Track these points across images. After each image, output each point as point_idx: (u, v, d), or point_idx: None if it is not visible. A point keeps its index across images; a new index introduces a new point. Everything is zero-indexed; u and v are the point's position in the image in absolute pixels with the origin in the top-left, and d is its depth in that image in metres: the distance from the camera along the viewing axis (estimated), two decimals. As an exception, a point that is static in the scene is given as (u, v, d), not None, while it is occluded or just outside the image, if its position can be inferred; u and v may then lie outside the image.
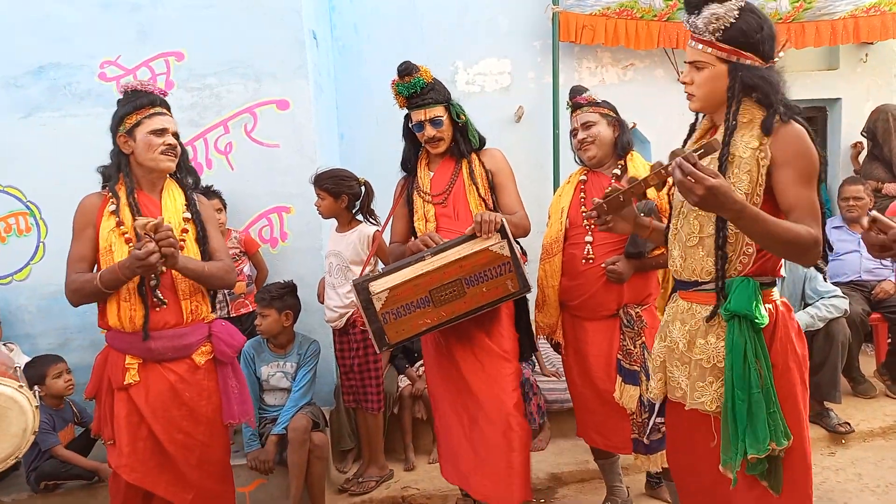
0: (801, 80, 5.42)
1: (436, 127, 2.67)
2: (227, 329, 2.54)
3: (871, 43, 5.39)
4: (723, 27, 1.80)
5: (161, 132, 2.35)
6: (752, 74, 1.81)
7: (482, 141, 2.80)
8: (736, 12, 1.80)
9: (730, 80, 1.83)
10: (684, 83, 1.92)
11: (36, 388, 3.07)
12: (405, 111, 2.77)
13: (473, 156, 2.75)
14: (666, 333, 2.02)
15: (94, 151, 3.70)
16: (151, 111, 2.36)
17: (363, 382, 3.41)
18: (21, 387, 2.34)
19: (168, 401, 2.37)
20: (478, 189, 2.69)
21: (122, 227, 2.33)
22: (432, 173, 2.79)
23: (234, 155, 3.78)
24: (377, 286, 2.47)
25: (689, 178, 1.60)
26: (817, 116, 5.79)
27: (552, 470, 3.54)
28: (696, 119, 2.05)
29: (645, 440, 2.58)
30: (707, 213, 1.83)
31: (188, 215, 2.44)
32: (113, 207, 2.35)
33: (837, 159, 5.68)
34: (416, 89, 2.65)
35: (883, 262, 4.39)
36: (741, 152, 1.81)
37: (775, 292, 1.91)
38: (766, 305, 1.84)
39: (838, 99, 5.60)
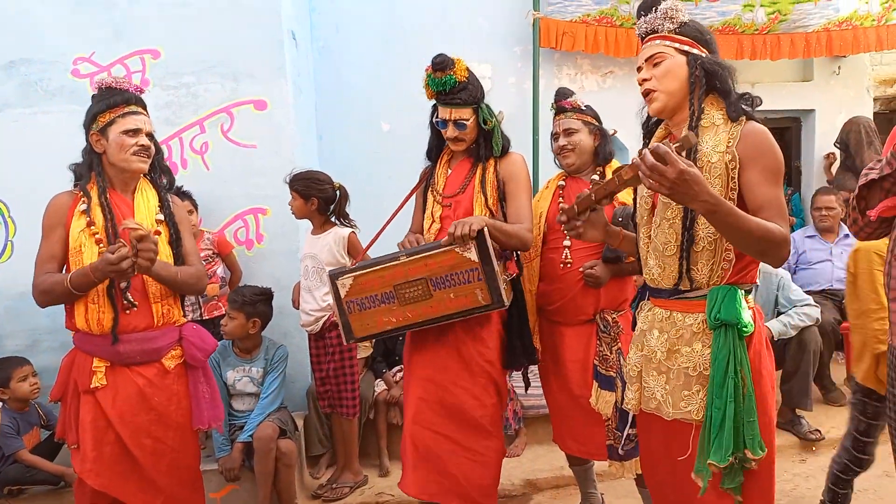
0: (776, 90, 5.51)
1: (459, 129, 2.60)
2: (198, 333, 2.48)
3: (844, 56, 5.51)
4: (680, 20, 1.90)
5: (134, 132, 2.29)
6: (711, 61, 1.87)
7: (505, 148, 2.72)
8: (686, 13, 1.91)
9: (689, 67, 1.87)
10: (642, 81, 1.95)
11: (-1, 390, 3.01)
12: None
13: (491, 161, 2.67)
14: (643, 343, 1.99)
15: (66, 149, 3.62)
16: (125, 110, 2.30)
17: (339, 387, 3.37)
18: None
19: (136, 405, 2.31)
20: (486, 199, 2.62)
21: (92, 228, 2.27)
22: (450, 171, 2.72)
23: (210, 155, 3.73)
24: (343, 274, 2.49)
25: (660, 162, 1.56)
26: (791, 127, 5.90)
27: (527, 476, 3.54)
28: (648, 123, 2.09)
29: (620, 451, 2.58)
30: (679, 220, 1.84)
31: (161, 217, 2.39)
32: (84, 207, 2.29)
33: (811, 169, 5.79)
34: (445, 88, 2.57)
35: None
36: (709, 157, 1.81)
37: (751, 299, 1.91)
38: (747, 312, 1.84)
39: (812, 110, 5.70)
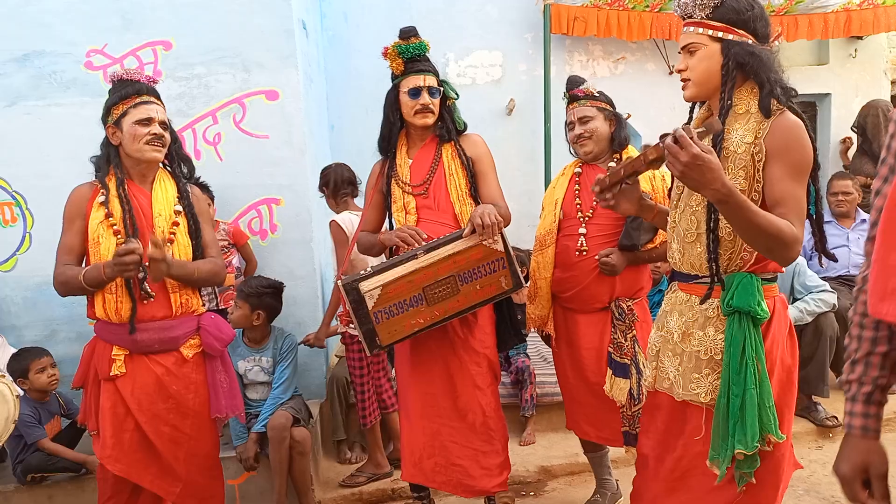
0: (791, 74, 5.36)
1: (432, 96, 2.59)
2: (215, 322, 2.50)
3: (861, 38, 5.43)
4: (713, 4, 1.79)
5: (147, 122, 2.30)
6: (744, 50, 1.78)
7: (465, 126, 2.72)
8: None
9: (723, 57, 1.79)
10: (679, 71, 1.89)
11: (18, 381, 3.05)
12: (387, 86, 2.68)
13: (451, 143, 2.66)
14: (663, 323, 2.00)
15: (79, 141, 3.64)
16: (137, 100, 2.31)
17: (378, 386, 3.49)
18: (2, 376, 2.32)
19: (154, 393, 2.35)
20: (458, 179, 2.62)
21: (110, 220, 2.29)
22: (411, 160, 2.68)
23: (222, 146, 3.74)
24: (368, 284, 2.37)
25: (677, 144, 1.55)
26: (806, 111, 5.83)
27: (542, 463, 3.55)
28: (693, 109, 2.01)
29: (633, 431, 2.58)
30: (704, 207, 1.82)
31: (179, 208, 2.40)
32: (102, 199, 2.31)
33: (827, 154, 5.72)
34: (419, 52, 2.58)
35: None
36: (735, 147, 1.78)
37: (776, 287, 1.89)
38: (766, 300, 1.82)
39: (828, 94, 5.64)
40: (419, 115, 2.60)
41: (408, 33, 2.60)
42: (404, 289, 2.39)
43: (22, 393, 3.09)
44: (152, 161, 2.36)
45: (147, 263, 2.19)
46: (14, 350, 3.36)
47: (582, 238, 2.74)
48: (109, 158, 2.35)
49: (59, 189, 3.38)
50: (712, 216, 1.80)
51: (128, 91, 2.32)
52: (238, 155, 3.73)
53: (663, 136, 1.62)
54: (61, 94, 3.62)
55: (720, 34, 1.79)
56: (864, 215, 4.56)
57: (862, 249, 4.57)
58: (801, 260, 3.97)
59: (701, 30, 1.81)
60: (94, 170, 2.40)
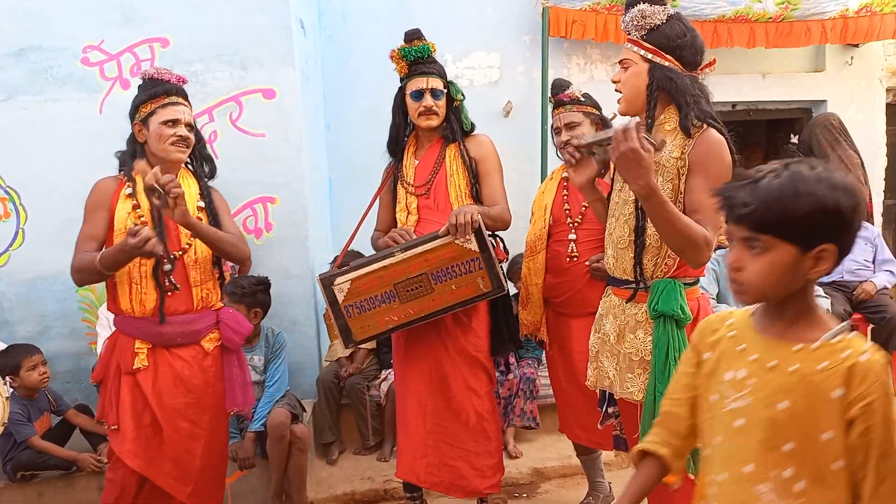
0: (787, 81, 5.46)
1: (436, 98, 2.60)
2: (234, 317, 2.54)
3: (857, 46, 5.45)
4: (648, 26, 1.92)
5: (174, 123, 2.34)
6: (665, 75, 1.91)
7: (472, 128, 2.73)
8: (664, 16, 1.92)
9: (648, 78, 1.94)
10: (614, 82, 2.03)
11: (8, 378, 3.03)
12: (393, 90, 2.69)
13: (458, 144, 2.67)
14: (600, 326, 2.16)
15: (75, 136, 3.64)
16: (165, 100, 2.35)
17: None
18: (-8, 377, 2.30)
19: (175, 387, 2.37)
20: (458, 180, 2.62)
21: (138, 211, 2.34)
22: (417, 161, 2.71)
23: (218, 144, 3.72)
24: (340, 279, 2.44)
25: (624, 133, 1.69)
26: (802, 118, 5.84)
27: (535, 465, 3.55)
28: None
29: (599, 426, 2.53)
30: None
31: (202, 204, 2.45)
32: (129, 191, 2.35)
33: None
34: (422, 55, 2.59)
35: (865, 262, 4.44)
36: (665, 161, 1.91)
37: (698, 289, 2.04)
38: (690, 302, 1.95)
39: (823, 101, 5.65)
40: (423, 117, 2.62)
41: (411, 36, 2.61)
42: (374, 284, 2.43)
43: (11, 392, 3.08)
44: (176, 161, 2.40)
45: (173, 255, 2.26)
46: (4, 346, 3.34)
47: (572, 244, 2.75)
48: (135, 154, 2.39)
49: (54, 185, 3.37)
50: (639, 224, 1.94)
51: (157, 91, 2.36)
52: (234, 153, 3.72)
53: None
54: (58, 90, 3.60)
55: (650, 56, 1.93)
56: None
57: (856, 255, 4.60)
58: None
59: (635, 48, 1.96)
60: (119, 164, 2.45)
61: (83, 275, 2.32)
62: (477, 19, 5.05)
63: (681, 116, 1.91)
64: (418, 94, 2.59)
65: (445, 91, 2.63)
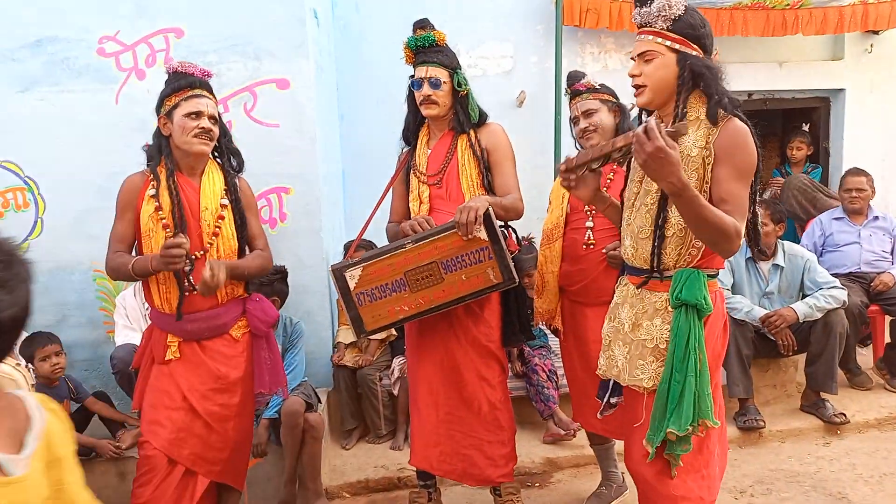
0: (806, 69, 5.40)
1: (433, 88, 2.59)
2: (260, 305, 2.58)
3: (877, 33, 5.36)
4: (673, 17, 1.91)
5: (196, 115, 2.36)
6: (699, 63, 1.91)
7: (483, 116, 2.71)
8: (683, 7, 1.92)
9: (679, 68, 1.93)
10: (633, 76, 2.00)
11: (30, 366, 3.07)
12: (407, 81, 2.70)
13: (471, 132, 2.66)
14: (615, 315, 2.14)
15: (92, 127, 3.67)
16: (189, 93, 2.38)
17: None
18: (18, 364, 2.33)
19: (206, 374, 2.44)
20: (470, 170, 2.62)
21: (160, 213, 2.37)
22: (430, 151, 2.71)
23: (233, 134, 3.73)
24: (352, 268, 2.47)
25: (645, 134, 1.68)
26: (820, 107, 5.77)
27: (547, 454, 3.56)
28: (640, 117, 2.12)
29: (598, 415, 2.52)
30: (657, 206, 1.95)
31: (226, 201, 2.47)
32: (153, 192, 2.38)
33: (840, 150, 5.67)
34: (424, 44, 2.59)
35: (883, 253, 4.39)
36: (689, 150, 1.90)
37: (718, 282, 2.04)
38: (710, 295, 1.94)
39: (842, 89, 5.58)
40: (423, 105, 2.63)
41: (417, 25, 2.61)
42: (385, 272, 2.44)
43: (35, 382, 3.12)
44: (200, 154, 2.41)
45: (193, 256, 2.33)
46: (26, 335, 3.38)
47: (589, 231, 2.74)
48: (161, 148, 2.42)
49: (71, 175, 3.40)
50: (661, 214, 1.94)
51: (181, 84, 2.38)
52: (248, 143, 3.68)
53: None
54: (74, 81, 3.63)
55: (677, 46, 1.92)
56: (876, 212, 4.52)
57: (874, 246, 4.58)
58: (811, 256, 3.94)
59: (659, 39, 1.93)
60: (146, 159, 2.48)
61: (118, 274, 2.43)
62: (490, 9, 5.03)
63: (710, 105, 1.89)
64: (418, 84, 2.62)
65: (449, 81, 2.61)
